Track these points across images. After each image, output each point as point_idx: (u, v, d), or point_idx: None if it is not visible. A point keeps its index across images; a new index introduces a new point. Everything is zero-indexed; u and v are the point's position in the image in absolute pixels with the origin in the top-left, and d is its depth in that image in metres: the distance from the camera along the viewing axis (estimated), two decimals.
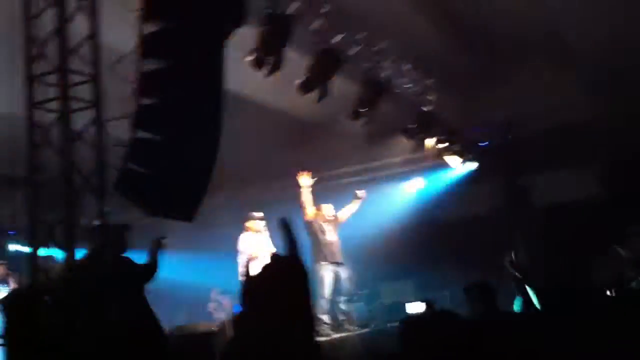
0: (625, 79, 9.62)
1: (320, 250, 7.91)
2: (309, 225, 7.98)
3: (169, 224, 8.20)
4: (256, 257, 7.58)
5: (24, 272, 6.84)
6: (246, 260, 7.68)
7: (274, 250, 7.81)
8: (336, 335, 7.70)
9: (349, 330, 7.84)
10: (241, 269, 7.79)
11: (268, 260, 2.54)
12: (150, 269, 5.25)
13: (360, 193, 8.34)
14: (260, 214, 8.16)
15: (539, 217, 10.88)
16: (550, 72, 9.61)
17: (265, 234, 8.10)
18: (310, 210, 8.00)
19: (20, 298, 5.10)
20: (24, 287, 5.10)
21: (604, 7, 8.35)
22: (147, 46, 4.75)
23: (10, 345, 4.95)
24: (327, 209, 8.26)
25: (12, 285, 7.65)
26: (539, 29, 9.02)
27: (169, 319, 6.52)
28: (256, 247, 7.91)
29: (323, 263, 7.86)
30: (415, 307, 8.66)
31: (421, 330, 2.73)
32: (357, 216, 8.59)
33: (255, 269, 2.55)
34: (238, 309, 9.85)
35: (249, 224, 8.11)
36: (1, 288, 7.39)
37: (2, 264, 7.91)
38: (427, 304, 7.97)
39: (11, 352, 4.97)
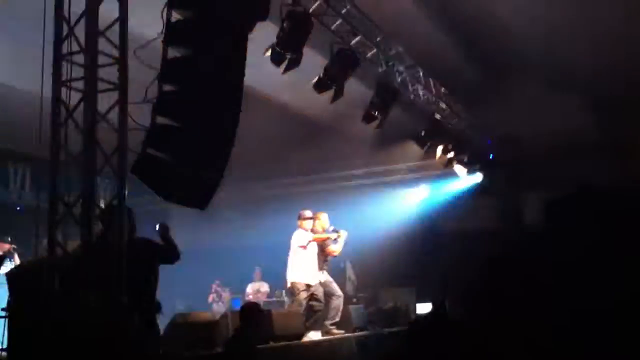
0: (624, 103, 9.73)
1: (324, 259, 8.14)
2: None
3: (173, 212, 8.31)
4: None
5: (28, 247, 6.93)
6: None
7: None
8: (333, 337, 7.76)
9: (346, 332, 7.90)
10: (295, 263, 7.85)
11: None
12: (173, 251, 5.28)
13: (342, 232, 8.37)
14: (310, 213, 8.16)
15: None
16: (555, 92, 9.71)
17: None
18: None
19: (27, 272, 5.12)
20: (31, 262, 5.12)
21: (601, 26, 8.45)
22: (172, 34, 4.81)
23: (14, 318, 4.99)
24: (324, 218, 8.34)
25: (17, 260, 7.70)
26: (548, 47, 9.14)
27: (169, 306, 6.56)
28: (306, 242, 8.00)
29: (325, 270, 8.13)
30: (424, 308, 8.69)
31: (427, 331, 2.75)
32: (361, 220, 8.65)
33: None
34: (237, 304, 9.99)
35: (301, 222, 8.10)
36: (7, 262, 7.42)
37: (7, 240, 7.94)
38: (434, 305, 8.00)
39: (14, 325, 5.01)
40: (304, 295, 7.73)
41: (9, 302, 5.20)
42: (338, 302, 8.07)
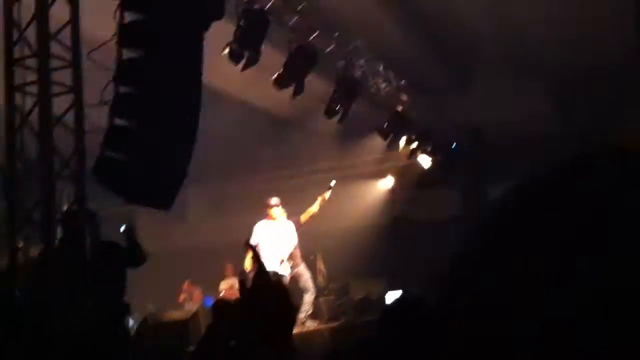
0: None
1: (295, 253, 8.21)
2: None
3: (137, 214, 8.26)
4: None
5: None
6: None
7: (287, 239, 7.98)
8: (307, 329, 7.85)
9: (319, 323, 8.00)
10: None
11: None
12: (139, 253, 5.25)
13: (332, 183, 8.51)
14: (277, 200, 8.06)
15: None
16: (517, 83, 9.92)
17: (281, 222, 8.06)
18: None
19: None
20: None
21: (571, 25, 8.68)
22: (126, 35, 4.81)
23: None
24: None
25: None
26: (507, 39, 9.33)
27: (139, 307, 6.55)
28: (268, 235, 7.92)
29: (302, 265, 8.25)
30: (394, 296, 8.80)
31: (397, 317, 2.76)
32: (330, 212, 8.74)
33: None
34: (209, 301, 9.85)
35: (269, 211, 8.01)
36: None
37: None
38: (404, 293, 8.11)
39: None
40: None
41: None
42: (311, 297, 8.15)
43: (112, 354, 4.87)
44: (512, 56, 9.71)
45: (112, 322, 4.99)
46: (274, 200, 8.05)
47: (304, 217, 8.31)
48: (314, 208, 8.42)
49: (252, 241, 7.78)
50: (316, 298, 8.36)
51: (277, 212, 8.01)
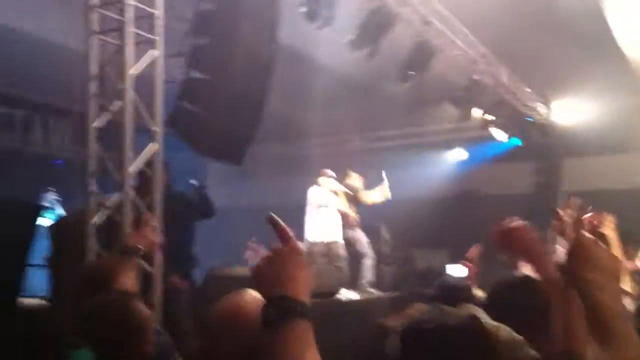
0: None
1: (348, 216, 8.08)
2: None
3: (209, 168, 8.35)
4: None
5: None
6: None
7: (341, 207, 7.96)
8: (369, 296, 7.81)
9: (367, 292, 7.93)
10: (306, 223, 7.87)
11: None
12: (209, 206, 5.32)
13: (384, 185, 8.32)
14: (332, 173, 8.08)
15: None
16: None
17: (333, 193, 8.06)
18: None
19: (71, 223, 5.24)
20: (75, 213, 5.24)
21: None
22: None
23: (57, 268, 5.13)
24: (355, 179, 8.28)
25: (61, 211, 7.84)
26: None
27: (204, 263, 6.64)
28: (324, 200, 7.92)
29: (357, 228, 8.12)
30: (455, 269, 8.64)
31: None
32: (396, 181, 8.58)
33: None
34: None
35: (321, 180, 8.06)
36: (49, 214, 7.56)
37: (52, 190, 8.11)
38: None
39: (56, 277, 5.16)
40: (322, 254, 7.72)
41: (51, 254, 5.36)
42: (370, 261, 8.07)
43: (178, 304, 4.98)
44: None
45: (181, 273, 5.09)
46: (329, 172, 8.04)
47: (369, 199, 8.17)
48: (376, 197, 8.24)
49: (310, 205, 7.84)
50: (379, 266, 8.28)
51: (330, 183, 7.99)
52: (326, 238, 7.80)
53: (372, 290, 7.99)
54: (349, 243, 8.00)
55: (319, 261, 7.65)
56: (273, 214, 1.43)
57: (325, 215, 7.83)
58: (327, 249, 7.74)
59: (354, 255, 7.97)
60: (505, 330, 2.01)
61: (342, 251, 7.80)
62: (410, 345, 1.78)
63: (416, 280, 8.84)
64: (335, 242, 7.80)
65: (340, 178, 8.21)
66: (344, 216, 7.99)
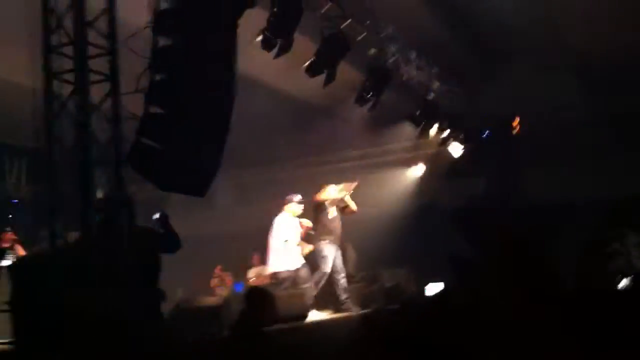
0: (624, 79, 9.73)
1: (321, 229, 8.12)
2: (317, 205, 8.14)
3: (168, 200, 8.33)
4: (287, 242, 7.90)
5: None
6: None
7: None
8: (339, 315, 7.84)
9: (350, 310, 7.97)
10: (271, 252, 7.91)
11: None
12: (174, 239, 5.26)
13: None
14: (299, 197, 8.13)
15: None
16: (550, 71, 9.70)
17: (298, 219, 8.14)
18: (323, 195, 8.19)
19: (30, 265, 5.16)
20: (36, 254, 5.16)
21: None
22: (161, 22, 4.82)
23: (17, 311, 5.01)
24: (332, 190, 8.34)
25: (20, 251, 7.65)
26: (539, 27, 9.11)
27: (171, 294, 6.59)
28: (290, 231, 8.01)
29: (323, 242, 8.06)
30: (434, 288, 8.72)
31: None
32: (359, 199, 8.69)
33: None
34: (239, 287, 9.95)
35: (287, 206, 8.11)
36: (8, 255, 7.36)
37: (9, 231, 7.90)
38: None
39: (18, 319, 5.04)
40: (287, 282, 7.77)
41: (12, 295, 5.23)
42: (343, 280, 8.10)
43: (147, 340, 4.93)
44: (543, 42, 9.49)
45: (147, 308, 5.04)
46: (297, 197, 8.11)
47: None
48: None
49: (277, 236, 7.88)
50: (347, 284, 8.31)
51: (298, 209, 8.07)
52: (291, 267, 7.91)
53: (353, 307, 8.00)
54: (320, 258, 8.02)
55: (285, 286, 7.72)
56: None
57: (290, 247, 7.95)
58: (294, 274, 7.83)
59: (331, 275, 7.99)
60: None
61: (305, 274, 7.88)
62: None
63: (385, 298, 8.92)
64: (299, 268, 7.92)
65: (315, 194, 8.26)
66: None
